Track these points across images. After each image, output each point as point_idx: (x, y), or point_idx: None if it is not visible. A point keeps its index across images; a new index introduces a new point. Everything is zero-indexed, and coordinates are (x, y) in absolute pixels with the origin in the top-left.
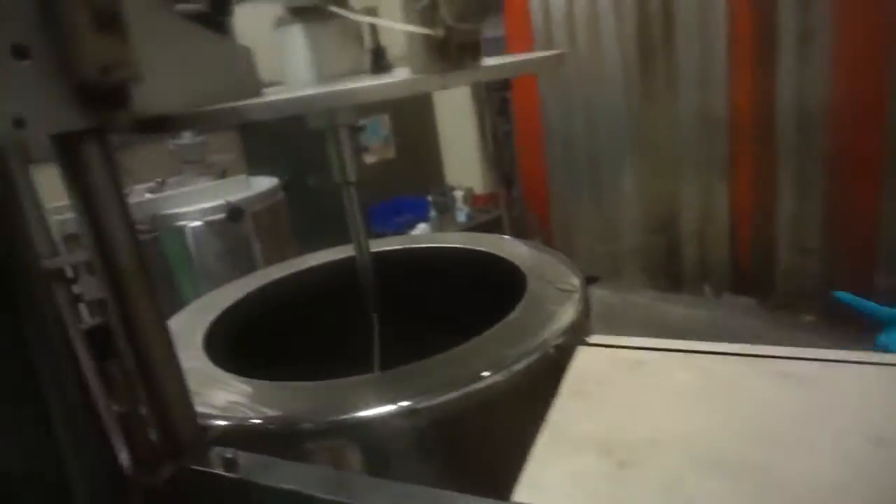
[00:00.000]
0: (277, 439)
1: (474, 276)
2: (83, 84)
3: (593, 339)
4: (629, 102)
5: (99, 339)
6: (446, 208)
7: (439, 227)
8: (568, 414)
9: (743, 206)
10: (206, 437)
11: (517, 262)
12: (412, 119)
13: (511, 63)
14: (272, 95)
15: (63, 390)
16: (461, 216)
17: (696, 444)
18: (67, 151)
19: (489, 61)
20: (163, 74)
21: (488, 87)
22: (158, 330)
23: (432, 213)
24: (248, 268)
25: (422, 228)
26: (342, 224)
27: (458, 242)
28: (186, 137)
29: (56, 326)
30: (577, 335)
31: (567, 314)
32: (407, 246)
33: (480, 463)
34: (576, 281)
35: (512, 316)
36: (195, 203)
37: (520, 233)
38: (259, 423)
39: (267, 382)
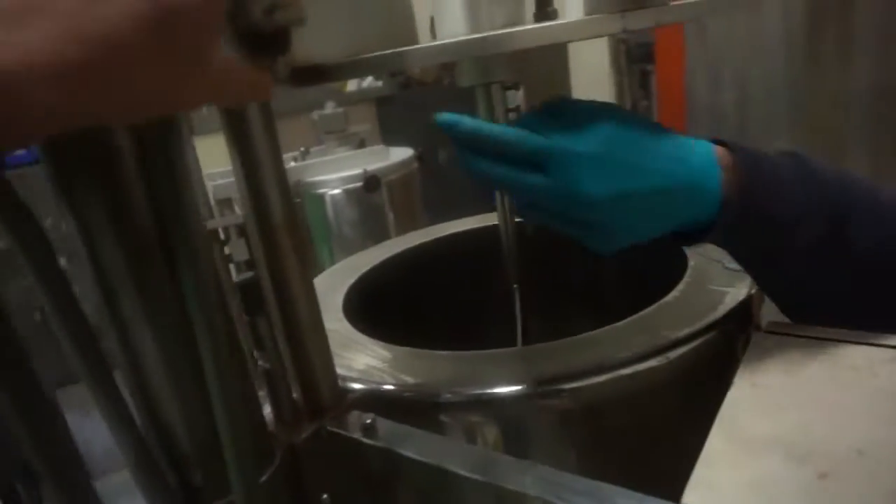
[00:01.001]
0: (415, 408)
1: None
2: (248, 27)
3: (770, 324)
4: (790, 74)
5: (249, 295)
6: None
7: None
8: (746, 408)
9: None
10: (346, 400)
11: None
12: (545, 91)
13: (700, 2)
14: (429, 44)
15: (216, 341)
16: None
17: None
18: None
19: None
20: (320, 20)
21: (629, 58)
22: (306, 288)
23: None
24: (381, 236)
25: None
26: (470, 199)
27: None
28: (328, 108)
29: (212, 281)
30: (748, 320)
31: (738, 296)
32: None
33: (630, 456)
34: None
35: (672, 295)
36: (335, 172)
37: None
38: (398, 390)
39: (406, 349)
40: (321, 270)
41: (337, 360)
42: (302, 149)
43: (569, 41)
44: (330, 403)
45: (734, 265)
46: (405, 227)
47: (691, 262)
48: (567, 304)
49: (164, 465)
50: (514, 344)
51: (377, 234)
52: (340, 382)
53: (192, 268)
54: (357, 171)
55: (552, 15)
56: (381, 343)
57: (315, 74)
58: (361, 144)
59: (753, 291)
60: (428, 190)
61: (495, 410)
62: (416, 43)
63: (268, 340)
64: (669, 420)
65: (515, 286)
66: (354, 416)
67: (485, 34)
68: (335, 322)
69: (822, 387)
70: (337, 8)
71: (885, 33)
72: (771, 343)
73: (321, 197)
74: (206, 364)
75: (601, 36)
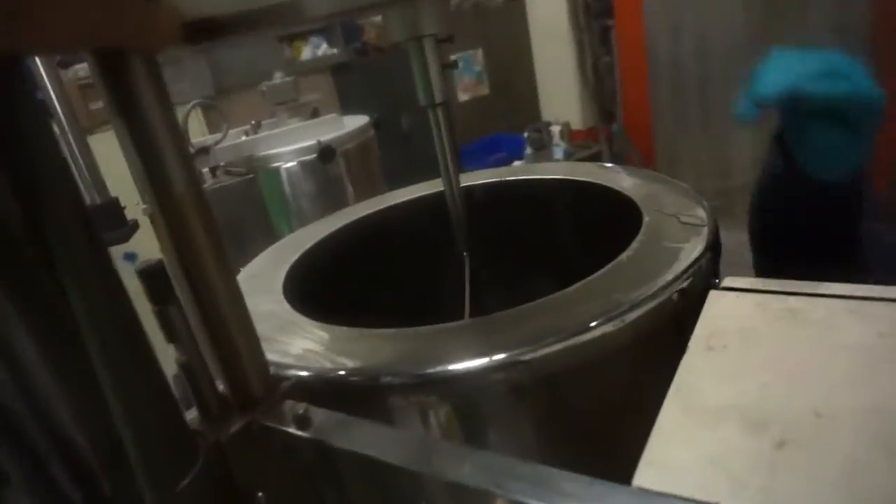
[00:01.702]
0: (357, 392)
1: (578, 209)
2: None
3: (727, 281)
4: (748, 20)
5: (154, 282)
6: (542, 144)
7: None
8: (701, 375)
9: (881, 137)
10: (280, 389)
11: (628, 192)
12: (506, 53)
13: None
14: None
15: (107, 337)
16: (558, 152)
17: (878, 420)
18: (111, 71)
19: None
20: None
21: (588, 13)
22: (221, 269)
23: (528, 150)
24: (340, 206)
25: (517, 165)
26: (430, 164)
27: (558, 173)
28: (277, 77)
29: (95, 266)
30: (706, 278)
31: (693, 252)
32: (501, 179)
33: (588, 429)
34: (702, 213)
35: (626, 255)
36: (289, 144)
37: None
38: (338, 375)
39: (347, 329)
40: (273, 237)
41: (272, 346)
42: (253, 122)
43: None
44: (261, 394)
45: (689, 218)
46: (366, 197)
47: (646, 219)
48: (523, 269)
49: (64, 480)
50: (460, 302)
51: (337, 207)
52: (274, 370)
53: (66, 250)
54: (311, 142)
55: None
56: (321, 324)
57: (208, 30)
58: (315, 114)
59: (711, 245)
60: (391, 159)
61: (441, 390)
62: None
63: (182, 331)
64: (630, 388)
65: (465, 254)
66: (287, 407)
67: None
68: (274, 304)
69: (779, 346)
70: None
71: None
72: (727, 301)
73: (276, 171)
74: (96, 362)
75: None
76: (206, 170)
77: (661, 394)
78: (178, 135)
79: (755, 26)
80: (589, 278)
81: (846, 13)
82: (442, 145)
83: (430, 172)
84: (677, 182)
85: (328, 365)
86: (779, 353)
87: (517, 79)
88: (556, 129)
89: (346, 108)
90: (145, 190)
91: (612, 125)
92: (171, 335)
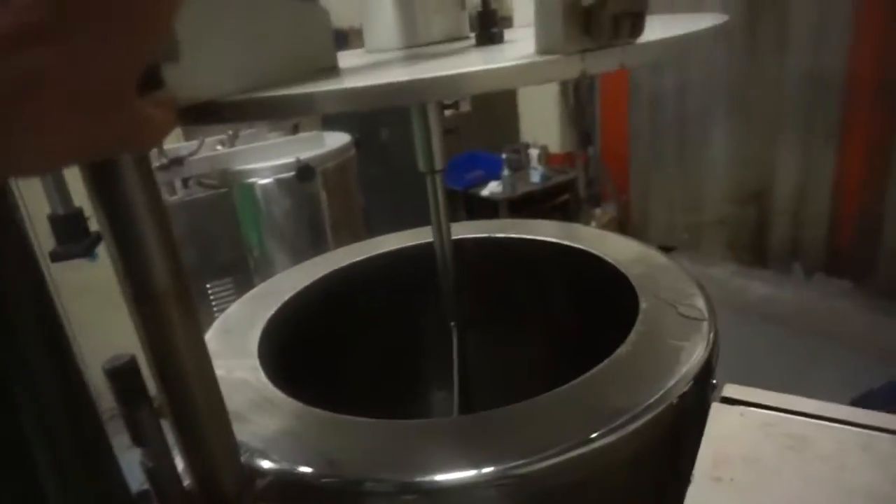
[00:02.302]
0: (335, 497)
1: (572, 278)
2: None
3: (728, 390)
4: (729, 62)
5: (125, 383)
6: (520, 166)
7: (511, 185)
8: None
9: (850, 179)
10: (254, 489)
11: (625, 268)
12: None
13: (672, 39)
14: (351, 77)
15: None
16: (535, 175)
17: None
18: (100, 175)
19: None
20: (214, 47)
21: None
22: (200, 367)
23: (505, 171)
24: (315, 226)
25: (493, 186)
26: (412, 179)
27: (553, 235)
28: None
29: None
30: (706, 380)
31: (695, 353)
32: (493, 235)
33: None
34: (701, 303)
35: (623, 349)
36: (266, 159)
37: (595, 196)
38: (315, 475)
39: (326, 415)
40: (248, 263)
41: (245, 426)
42: (230, 132)
43: (521, 86)
44: (233, 495)
45: (688, 310)
46: (341, 217)
47: (643, 305)
48: (510, 331)
49: None
50: (451, 385)
51: (311, 225)
52: (247, 458)
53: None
54: (290, 159)
55: (497, 38)
56: (298, 404)
57: (205, 114)
58: (295, 129)
59: (712, 346)
60: (368, 169)
61: (426, 501)
62: (334, 64)
63: (152, 435)
64: (622, 497)
65: (453, 324)
66: None
67: (414, 75)
68: (248, 371)
69: (788, 485)
70: (233, 31)
71: (818, 24)
72: (732, 420)
73: (251, 186)
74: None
75: (556, 80)
76: (178, 180)
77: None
78: (167, 230)
79: (736, 67)
80: (585, 376)
81: (821, 54)
82: (437, 210)
83: (405, 183)
84: (673, 263)
85: (306, 459)
86: (788, 492)
87: (499, 98)
88: (534, 151)
89: (327, 119)
90: (122, 284)
91: (589, 149)
92: (139, 439)
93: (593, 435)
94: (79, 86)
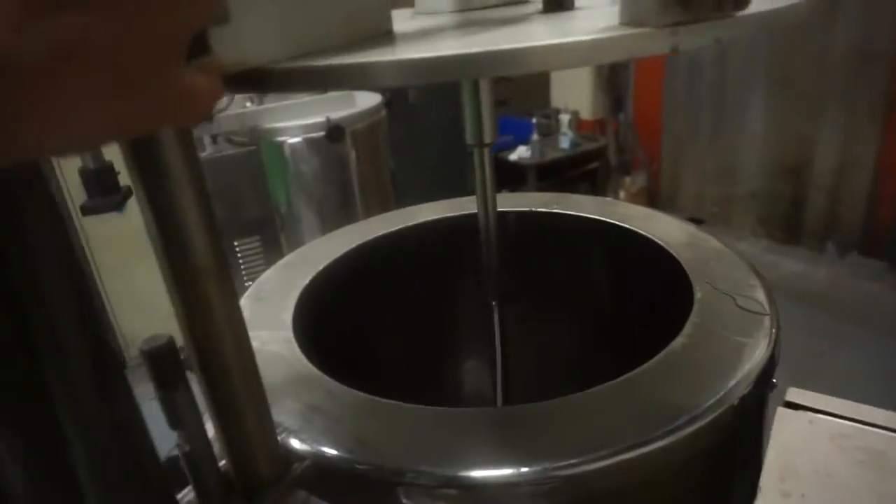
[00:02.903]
0: (372, 486)
1: (619, 260)
2: None
3: (792, 395)
4: (772, 33)
5: (162, 365)
6: (550, 131)
7: (540, 151)
8: None
9: (893, 157)
10: (290, 475)
11: (677, 252)
12: None
13: (772, 13)
14: (405, 46)
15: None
16: (564, 142)
17: None
18: (140, 152)
19: None
20: (262, 7)
21: None
22: (239, 346)
23: (534, 136)
24: (344, 186)
25: (521, 151)
26: (441, 139)
27: (598, 213)
28: None
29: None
30: (768, 383)
31: (757, 351)
32: (535, 209)
33: None
34: (762, 295)
35: (678, 343)
36: (296, 118)
37: (625, 165)
38: (352, 462)
39: (367, 398)
40: (276, 221)
41: (280, 406)
42: None
43: (599, 63)
44: (270, 479)
45: (748, 302)
46: (370, 179)
47: (698, 294)
48: (551, 312)
49: None
50: (489, 366)
51: (340, 185)
52: (283, 439)
53: (63, 377)
54: (319, 118)
55: (568, 4)
56: (336, 384)
57: (254, 81)
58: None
59: (774, 344)
60: (396, 130)
61: (464, 497)
62: (389, 28)
63: (189, 417)
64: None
65: (494, 303)
66: (297, 499)
67: (485, 50)
68: (282, 344)
69: (861, 501)
70: None
71: (871, 0)
72: (800, 428)
73: (280, 145)
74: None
75: (641, 56)
76: (207, 136)
77: None
78: (208, 207)
79: (779, 38)
80: (640, 370)
81: (871, 27)
82: (483, 184)
83: (435, 144)
84: (729, 249)
85: (344, 448)
86: None
87: None
88: (564, 117)
89: None
90: (161, 262)
91: (620, 115)
92: (176, 421)
93: (649, 436)
94: (121, 55)
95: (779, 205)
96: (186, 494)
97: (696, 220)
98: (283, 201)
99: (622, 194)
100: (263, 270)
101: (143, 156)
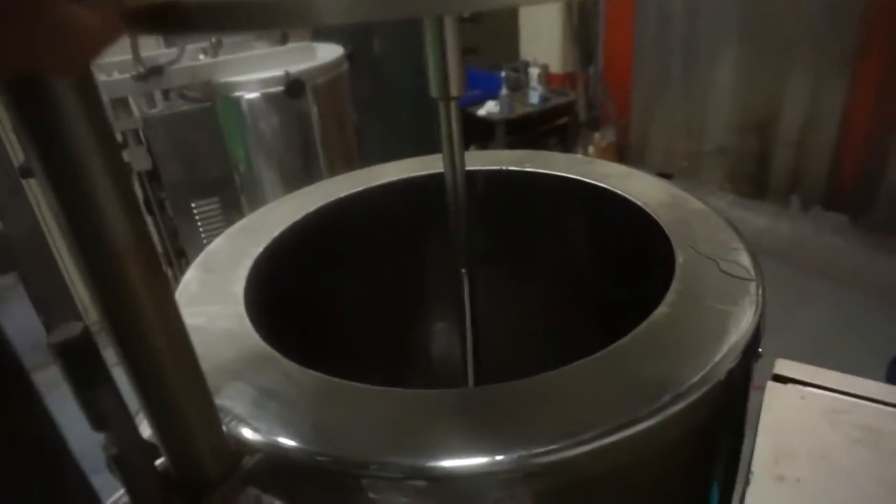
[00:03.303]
0: (332, 481)
1: (595, 222)
2: None
3: (781, 367)
4: None
5: (78, 359)
6: (519, 85)
7: (509, 106)
8: None
9: (860, 109)
10: (240, 469)
11: (655, 213)
12: None
13: None
14: None
15: None
16: (534, 96)
17: None
18: (26, 100)
19: None
20: None
21: None
22: (169, 331)
23: (503, 90)
24: (306, 144)
25: (490, 106)
26: (409, 94)
27: (573, 171)
28: None
29: None
30: (754, 355)
31: (744, 320)
32: (506, 167)
33: None
34: (746, 259)
35: (660, 312)
36: (253, 72)
37: (595, 120)
38: (309, 454)
39: (326, 380)
40: (233, 175)
41: (229, 389)
42: (213, 40)
43: None
44: (217, 476)
45: (731, 267)
46: (333, 136)
47: (679, 258)
48: (525, 277)
49: None
50: (458, 336)
51: (301, 143)
52: (232, 427)
53: None
54: (278, 72)
55: None
56: (292, 364)
57: (167, 20)
58: (284, 39)
59: (761, 313)
60: (360, 84)
61: (434, 489)
62: None
63: (114, 416)
64: (661, 495)
65: (463, 271)
66: (249, 498)
67: None
68: (233, 321)
69: (863, 487)
70: None
71: None
72: (791, 403)
73: (237, 101)
74: None
75: None
76: (158, 92)
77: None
78: (121, 175)
79: None
80: (620, 343)
81: None
82: (450, 141)
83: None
84: (710, 209)
85: (301, 438)
86: (863, 499)
87: (498, 13)
88: (534, 70)
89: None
90: (70, 244)
91: (590, 68)
92: (99, 423)
93: (632, 417)
94: None
95: (746, 160)
96: (120, 499)
97: (665, 175)
98: (242, 160)
99: (591, 149)
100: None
101: (30, 112)
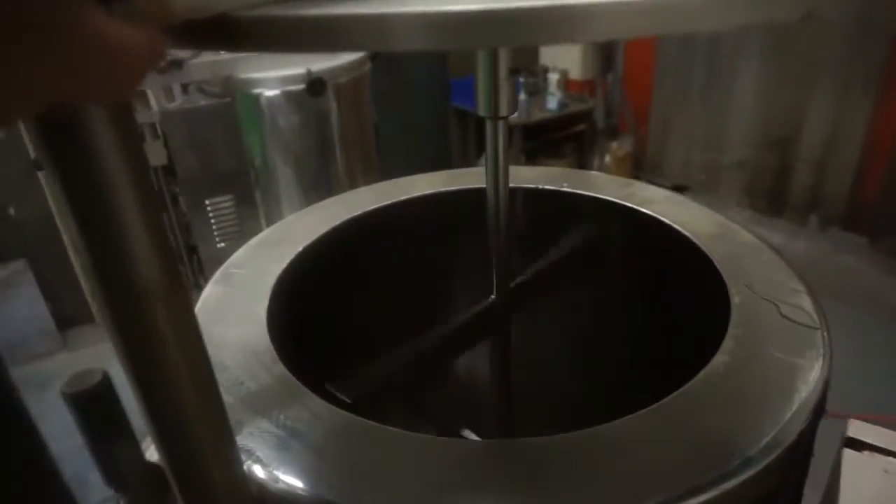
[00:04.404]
0: None
1: (638, 251)
2: None
3: (856, 430)
4: None
5: (95, 410)
6: (537, 91)
7: (527, 111)
8: None
9: (885, 130)
10: None
11: (706, 246)
12: None
13: None
14: None
15: None
16: (552, 102)
17: None
18: (57, 132)
19: None
20: None
21: None
22: (198, 382)
23: (521, 95)
24: (324, 143)
25: None
26: (426, 94)
27: (615, 195)
28: None
29: None
30: (822, 413)
31: (813, 375)
32: (542, 186)
33: None
34: (808, 302)
35: (719, 361)
36: (274, 69)
37: (613, 128)
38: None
39: (354, 420)
40: (249, 173)
41: (252, 426)
42: None
43: (704, 31)
44: None
45: (794, 312)
46: (352, 135)
47: (735, 299)
48: (561, 307)
49: None
50: (487, 365)
51: (320, 142)
52: (254, 472)
53: None
54: (300, 70)
55: None
56: (319, 401)
57: (214, 35)
58: None
59: (828, 365)
60: (379, 82)
61: None
62: None
63: (134, 475)
64: None
65: (493, 297)
66: None
67: (554, 3)
68: (257, 344)
69: None
70: None
71: None
72: (873, 477)
73: (256, 98)
74: None
75: (762, 23)
76: (177, 86)
77: None
78: (154, 210)
79: None
80: (674, 395)
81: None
82: (496, 162)
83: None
84: (760, 242)
85: (328, 489)
86: None
87: None
88: (553, 76)
89: None
90: (91, 283)
91: (609, 76)
92: (116, 480)
93: (697, 484)
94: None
95: (765, 176)
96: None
97: (681, 188)
98: (258, 157)
99: (608, 158)
100: (236, 230)
101: (60, 143)
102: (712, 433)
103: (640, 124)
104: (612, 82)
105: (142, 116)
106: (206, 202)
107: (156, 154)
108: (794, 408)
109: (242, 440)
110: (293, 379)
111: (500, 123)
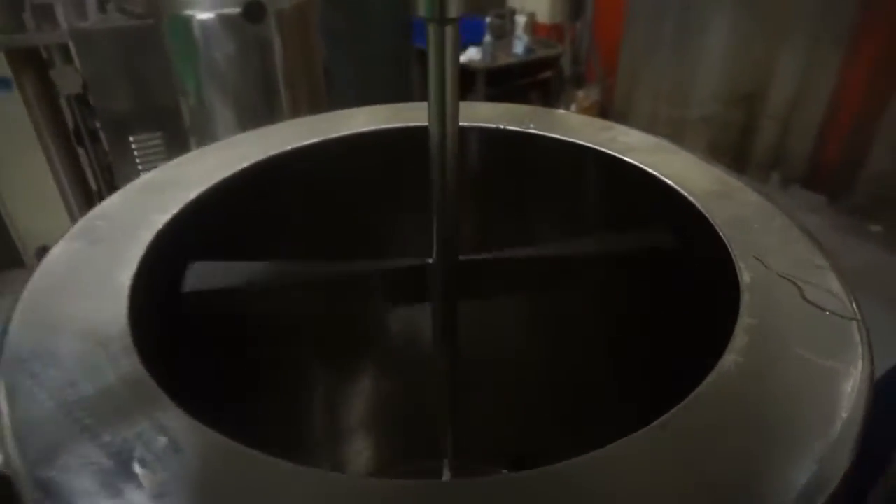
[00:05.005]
0: None
1: (620, 208)
2: None
3: None
4: None
5: None
6: (503, 34)
7: (492, 54)
8: None
9: (850, 91)
10: None
11: (706, 207)
12: None
13: None
14: None
15: None
16: (518, 46)
17: None
18: None
19: None
20: None
21: None
22: None
23: (487, 38)
24: (266, 78)
25: (472, 53)
26: (380, 30)
27: (590, 139)
28: None
29: None
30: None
31: (850, 383)
32: (503, 126)
33: None
34: (836, 283)
35: (729, 362)
36: None
37: (579, 76)
38: None
39: (233, 447)
40: (180, 109)
41: (73, 451)
42: None
43: None
44: None
45: (821, 298)
46: (297, 71)
47: (745, 277)
48: (526, 283)
49: None
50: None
51: (261, 76)
52: None
53: None
54: None
55: None
56: (185, 417)
57: None
58: None
59: (870, 371)
60: (329, 14)
61: None
62: None
63: None
64: None
65: (431, 260)
66: None
67: None
68: (109, 326)
69: None
70: None
71: None
72: None
73: (186, 20)
74: None
75: None
76: (91, 2)
77: None
78: None
79: None
80: (677, 410)
81: None
82: (441, 81)
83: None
84: (773, 205)
85: None
86: None
87: None
88: (520, 18)
89: None
90: None
91: (578, 22)
92: None
93: None
94: None
95: (730, 132)
96: None
97: None
98: (191, 91)
99: (574, 107)
100: None
101: None
102: (728, 471)
103: (609, 74)
104: (582, 28)
105: (49, 36)
106: (131, 139)
107: (68, 80)
108: (834, 434)
109: (49, 473)
110: (148, 378)
111: (448, 29)
